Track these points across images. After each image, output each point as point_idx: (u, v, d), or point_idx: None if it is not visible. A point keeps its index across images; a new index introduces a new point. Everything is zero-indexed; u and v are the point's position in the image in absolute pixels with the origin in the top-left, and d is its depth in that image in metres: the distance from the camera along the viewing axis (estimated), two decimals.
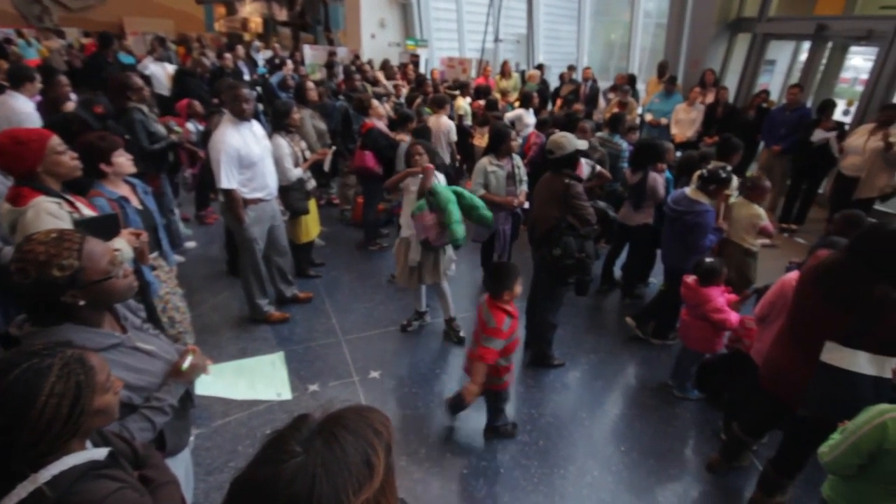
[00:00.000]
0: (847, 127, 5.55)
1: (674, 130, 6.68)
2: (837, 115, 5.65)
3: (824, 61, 6.97)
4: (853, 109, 6.52)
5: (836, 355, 1.87)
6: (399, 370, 3.50)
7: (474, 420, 3.01)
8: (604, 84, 8.19)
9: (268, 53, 10.64)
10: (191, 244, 5.07)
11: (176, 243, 4.65)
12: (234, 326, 3.87)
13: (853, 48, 6.81)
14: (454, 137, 5.58)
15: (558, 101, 7.66)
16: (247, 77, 8.31)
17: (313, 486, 0.66)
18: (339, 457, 0.72)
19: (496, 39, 10.08)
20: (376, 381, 3.37)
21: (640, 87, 8.02)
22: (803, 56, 7.22)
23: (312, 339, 3.77)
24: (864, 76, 6.29)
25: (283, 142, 3.84)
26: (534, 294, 3.55)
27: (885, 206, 5.52)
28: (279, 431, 0.78)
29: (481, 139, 5.69)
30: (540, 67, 8.62)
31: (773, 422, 2.43)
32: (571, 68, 8.31)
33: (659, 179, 4.04)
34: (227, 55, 7.86)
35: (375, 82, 6.87)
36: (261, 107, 6.51)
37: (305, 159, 4.07)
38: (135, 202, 2.64)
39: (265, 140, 3.55)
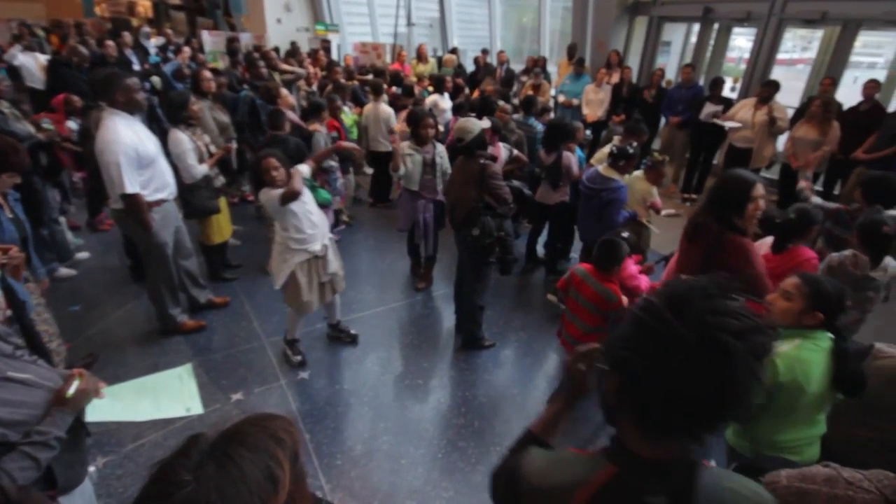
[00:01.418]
0: (734, 102, 6.08)
1: (585, 111, 6.97)
2: (725, 91, 6.18)
3: (712, 42, 7.56)
4: (738, 86, 7.15)
5: None
6: (329, 369, 3.39)
7: (407, 412, 3.00)
8: (518, 67, 8.37)
9: (161, 40, 9.72)
10: (83, 255, 4.55)
11: (64, 256, 4.15)
12: (143, 341, 3.54)
13: (736, 29, 7.44)
14: (395, 123, 5.47)
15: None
16: (137, 67, 7.54)
17: None
18: (236, 477, 0.66)
19: (409, 23, 9.93)
20: (305, 382, 3.24)
21: (552, 69, 8.27)
22: (694, 38, 7.81)
23: (233, 345, 3.54)
24: (747, 55, 6.92)
25: (182, 136, 3.51)
26: (460, 278, 3.58)
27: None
28: (165, 461, 0.69)
29: (399, 126, 5.61)
30: (454, 51, 8.62)
31: None
32: (485, 52, 8.38)
33: (572, 158, 4.20)
34: (110, 42, 7.04)
35: (281, 70, 6.51)
36: (156, 99, 5.94)
37: (211, 154, 3.77)
38: (7, 211, 2.30)
39: (152, 135, 3.21)
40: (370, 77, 6.53)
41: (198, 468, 0.66)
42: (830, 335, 1.75)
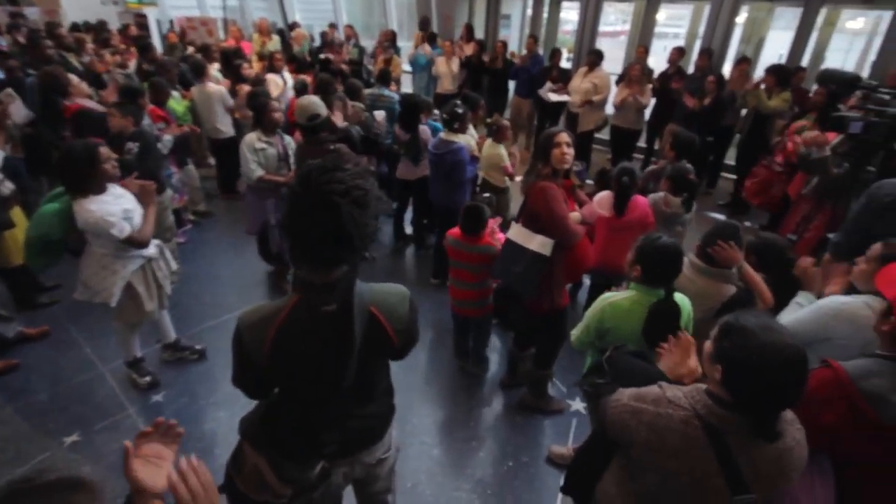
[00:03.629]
0: (570, 72, 6.60)
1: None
2: (563, 62, 6.67)
3: (545, 15, 8.09)
4: (573, 56, 7.79)
5: (514, 232, 2.44)
6: (186, 385, 3.03)
7: None
8: (368, 43, 8.13)
9: None
10: None
11: None
12: None
13: (564, 3, 8.04)
14: (230, 102, 4.93)
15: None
16: None
17: None
18: None
19: None
20: (160, 405, 2.86)
21: (403, 44, 8.18)
22: (530, 10, 8.28)
23: (61, 380, 2.99)
24: None
25: None
26: None
27: None
28: None
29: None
30: (294, 26, 8.03)
31: (529, 330, 2.83)
32: (332, 27, 7.98)
33: (427, 131, 4.23)
34: None
35: (76, 50, 5.49)
36: None
37: None
38: None
39: None
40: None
41: None
42: (661, 294, 1.88)
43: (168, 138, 3.89)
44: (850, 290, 1.85)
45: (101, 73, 5.48)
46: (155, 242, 2.71)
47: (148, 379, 2.93)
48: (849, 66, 9.16)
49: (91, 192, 2.37)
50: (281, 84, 5.44)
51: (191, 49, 7.08)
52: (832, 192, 3.05)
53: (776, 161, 4.25)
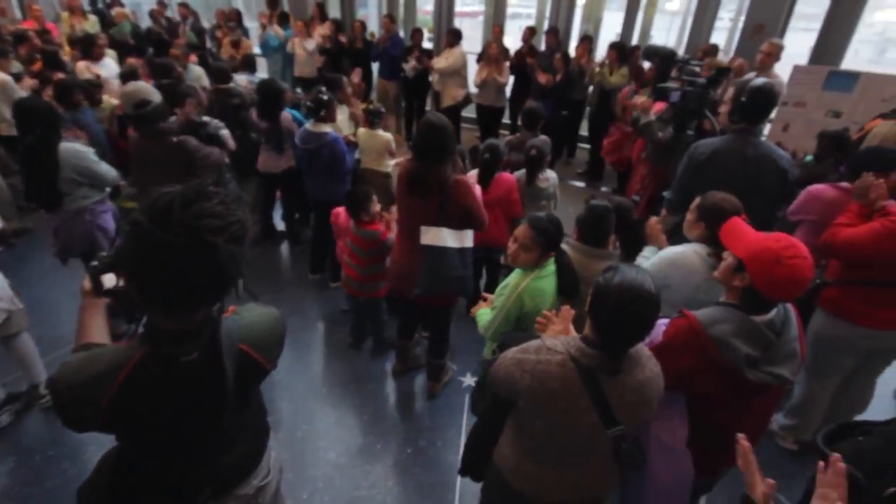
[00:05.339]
0: (432, 52, 6.62)
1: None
2: (425, 43, 6.65)
3: None
4: (434, 36, 7.82)
5: (427, 235, 2.30)
6: (17, 438, 2.52)
7: None
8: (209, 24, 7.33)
9: None
10: None
11: None
12: None
13: None
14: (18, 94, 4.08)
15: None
16: None
17: None
18: None
19: None
20: None
21: (250, 24, 7.52)
22: None
23: None
24: None
25: None
26: None
27: None
28: None
29: None
30: (114, 4, 6.93)
31: (411, 318, 2.83)
32: (162, 4, 7.03)
33: (290, 117, 3.94)
34: None
35: None
36: None
37: None
38: None
39: None
40: None
41: None
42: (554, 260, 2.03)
43: None
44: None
45: None
46: None
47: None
48: (671, 42, 10.52)
49: None
50: (114, 81, 4.65)
51: None
52: (662, 155, 3.46)
53: (626, 123, 4.72)
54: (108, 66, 4.80)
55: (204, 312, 1.02)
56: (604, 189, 5.63)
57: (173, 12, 6.99)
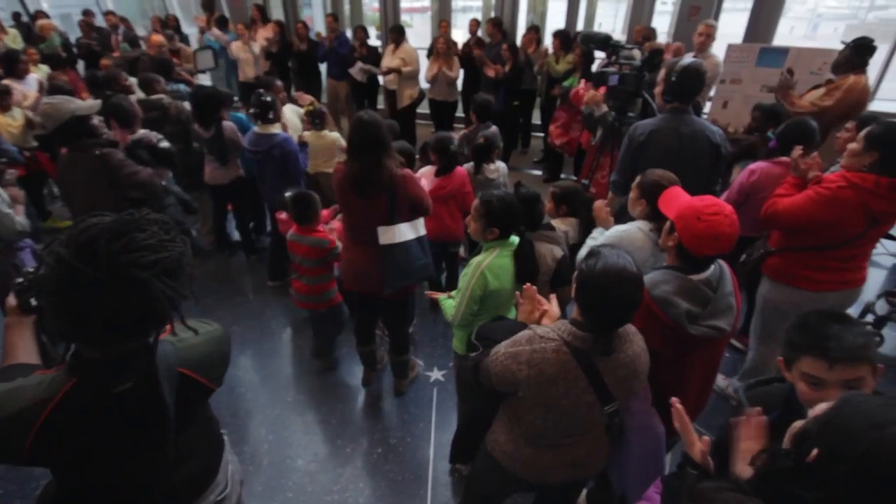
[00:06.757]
0: (380, 49, 6.55)
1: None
2: (372, 40, 6.57)
3: None
4: (381, 33, 7.73)
5: (386, 235, 2.25)
6: None
7: None
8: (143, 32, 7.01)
9: None
10: None
11: None
12: None
13: None
14: None
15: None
16: None
17: None
18: None
19: None
20: None
21: (190, 31, 7.25)
22: None
23: None
24: None
25: None
26: None
27: None
28: None
29: None
30: (36, 16, 6.53)
31: (370, 318, 2.78)
32: (88, 14, 6.66)
33: (233, 126, 3.82)
34: None
35: None
36: None
37: None
38: None
39: None
40: None
41: None
42: (516, 239, 2.01)
43: None
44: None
45: None
46: None
47: None
48: (617, 28, 10.76)
49: None
50: (31, 92, 4.39)
51: None
52: (608, 139, 3.53)
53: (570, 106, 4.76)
54: (33, 84, 4.52)
55: (137, 340, 0.96)
56: (563, 176, 5.72)
57: (101, 21, 6.63)
